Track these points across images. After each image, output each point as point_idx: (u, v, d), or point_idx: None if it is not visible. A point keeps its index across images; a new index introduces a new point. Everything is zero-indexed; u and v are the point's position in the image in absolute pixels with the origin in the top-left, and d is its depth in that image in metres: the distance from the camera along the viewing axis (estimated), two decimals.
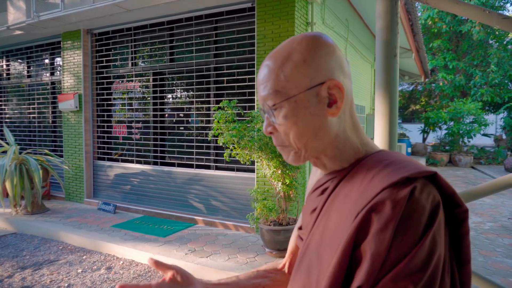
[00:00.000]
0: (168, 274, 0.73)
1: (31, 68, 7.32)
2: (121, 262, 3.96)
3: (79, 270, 3.72)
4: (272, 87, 0.66)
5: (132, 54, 5.89)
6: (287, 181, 3.75)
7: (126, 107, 6.09)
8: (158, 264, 0.73)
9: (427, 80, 15.07)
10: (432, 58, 14.60)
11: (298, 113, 0.65)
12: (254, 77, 4.69)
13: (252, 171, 4.74)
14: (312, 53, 0.64)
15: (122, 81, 6.09)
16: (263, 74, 0.68)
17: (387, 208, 0.52)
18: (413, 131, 16.30)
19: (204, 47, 5.20)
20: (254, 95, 4.69)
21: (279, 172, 3.77)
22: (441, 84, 14.25)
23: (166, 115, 5.74)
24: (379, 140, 1.39)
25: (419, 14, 14.23)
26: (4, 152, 5.53)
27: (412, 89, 19.01)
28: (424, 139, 15.33)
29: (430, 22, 13.93)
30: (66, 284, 3.41)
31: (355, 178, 0.64)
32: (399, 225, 0.51)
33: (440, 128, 13.78)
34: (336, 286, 0.56)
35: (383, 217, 0.52)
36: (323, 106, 0.65)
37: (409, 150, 12.59)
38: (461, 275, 0.57)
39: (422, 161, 11.97)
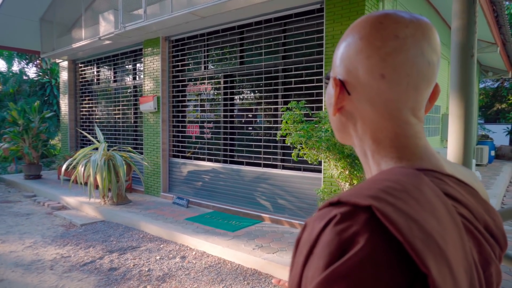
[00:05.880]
0: None
1: (117, 74, 8.14)
2: (194, 252, 4.26)
3: (157, 257, 4.09)
4: None
5: (204, 58, 6.26)
6: (355, 182, 3.72)
7: (199, 108, 6.48)
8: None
9: None
10: None
11: (327, 100, 0.65)
12: (322, 78, 4.70)
13: (319, 171, 4.76)
14: (341, 40, 0.61)
15: (195, 84, 6.50)
16: None
17: (307, 231, 0.47)
18: (498, 133, 14.81)
19: (272, 49, 5.33)
20: (321, 96, 4.71)
21: (347, 172, 3.76)
22: None
23: (237, 115, 6.00)
24: (453, 144, 1.37)
25: (507, 3, 12.86)
26: (96, 149, 6.24)
27: (497, 86, 17.25)
28: (511, 141, 13.85)
29: None
30: (146, 269, 3.78)
31: None
32: (310, 251, 0.45)
33: None
34: None
35: (303, 239, 0.48)
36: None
37: (492, 153, 11.45)
38: None
39: (508, 166, 10.82)
